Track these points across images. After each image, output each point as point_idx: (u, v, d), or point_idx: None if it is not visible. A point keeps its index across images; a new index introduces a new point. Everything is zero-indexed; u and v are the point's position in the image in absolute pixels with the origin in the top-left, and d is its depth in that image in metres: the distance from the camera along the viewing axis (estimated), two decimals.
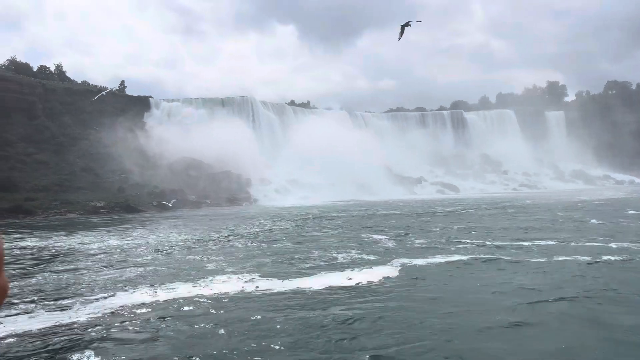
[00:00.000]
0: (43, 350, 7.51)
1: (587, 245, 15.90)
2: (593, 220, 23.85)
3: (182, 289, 11.15)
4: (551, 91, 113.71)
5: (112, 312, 9.43)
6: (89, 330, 8.36)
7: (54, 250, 18.81)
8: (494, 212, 31.69)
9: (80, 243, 20.85)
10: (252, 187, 58.52)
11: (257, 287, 11.18)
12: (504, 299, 9.55)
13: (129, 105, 67.08)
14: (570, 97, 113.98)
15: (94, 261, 15.81)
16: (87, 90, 67.09)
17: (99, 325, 8.62)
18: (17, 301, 10.39)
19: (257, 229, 24.82)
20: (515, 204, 40.60)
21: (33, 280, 12.74)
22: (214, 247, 18.33)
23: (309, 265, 13.94)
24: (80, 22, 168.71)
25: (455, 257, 14.24)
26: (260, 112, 74.59)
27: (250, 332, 7.95)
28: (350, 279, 11.73)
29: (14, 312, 9.64)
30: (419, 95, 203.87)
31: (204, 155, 58.38)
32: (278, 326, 8.21)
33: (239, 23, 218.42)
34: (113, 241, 21.03)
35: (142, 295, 10.76)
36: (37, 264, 15.49)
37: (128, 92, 75.53)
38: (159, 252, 17.30)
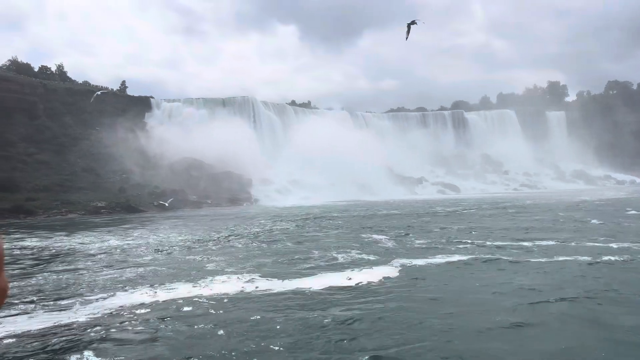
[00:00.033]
0: (42, 350, 7.50)
1: (587, 245, 15.86)
2: (594, 221, 23.80)
3: (182, 289, 11.14)
4: (552, 91, 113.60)
5: (112, 313, 9.42)
6: (88, 330, 8.35)
7: (54, 251, 18.81)
8: (494, 212, 31.65)
9: (80, 243, 20.85)
10: (253, 187, 58.54)
11: (256, 287, 11.16)
12: (505, 300, 9.52)
13: (130, 105, 67.14)
14: (571, 97, 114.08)
15: (94, 261, 15.81)
16: (88, 91, 67.19)
17: (98, 325, 8.61)
18: (16, 301, 10.38)
19: (257, 229, 24.81)
20: (516, 204, 40.56)
21: (33, 281, 12.73)
22: (214, 247, 18.32)
23: (309, 265, 13.92)
24: (81, 22, 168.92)
25: (456, 257, 14.21)
26: (261, 113, 74.61)
27: (250, 333, 7.93)
28: (350, 279, 11.71)
29: (13, 312, 9.63)
30: (420, 95, 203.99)
31: (205, 155, 58.41)
32: (278, 327, 8.19)
33: (240, 23, 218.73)
34: (113, 241, 21.03)
35: (141, 295, 10.75)
36: (37, 264, 15.48)
37: (129, 92, 75.67)
38: (159, 252, 17.29)
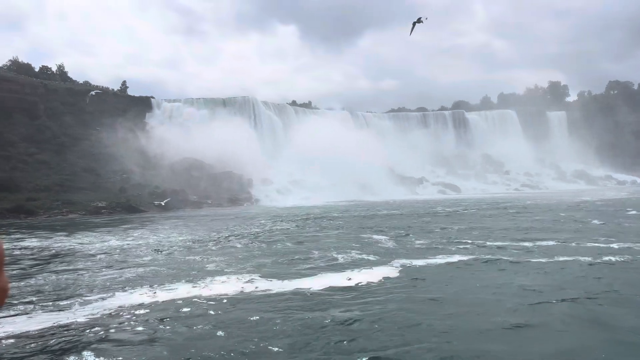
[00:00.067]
0: (41, 351, 7.47)
1: (588, 245, 15.82)
2: (595, 221, 23.76)
3: (182, 290, 11.12)
4: (553, 91, 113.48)
5: (111, 313, 9.40)
6: (87, 331, 8.32)
7: (54, 251, 18.80)
8: (495, 213, 31.61)
9: (80, 243, 20.83)
10: (254, 188, 58.54)
11: (256, 287, 11.13)
12: (505, 300, 9.49)
13: (130, 105, 67.19)
14: (572, 97, 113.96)
15: (93, 262, 15.79)
16: (89, 91, 67.30)
17: (98, 326, 8.58)
18: (15, 302, 10.36)
19: (257, 229, 24.79)
20: (516, 204, 40.51)
21: (32, 281, 12.71)
22: (214, 248, 18.30)
23: (308, 265, 13.89)
24: (81, 22, 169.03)
25: (456, 258, 14.17)
26: (262, 113, 74.61)
27: (249, 334, 7.90)
28: (350, 279, 11.68)
29: (12, 312, 9.61)
30: (421, 95, 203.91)
31: (206, 155, 58.42)
32: (277, 327, 8.16)
33: (240, 23, 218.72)
34: (113, 241, 21.01)
35: (141, 296, 10.73)
36: (37, 265, 15.47)
37: (130, 92, 75.70)
38: (159, 253, 17.27)
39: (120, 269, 14.16)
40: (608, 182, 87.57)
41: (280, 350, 7.14)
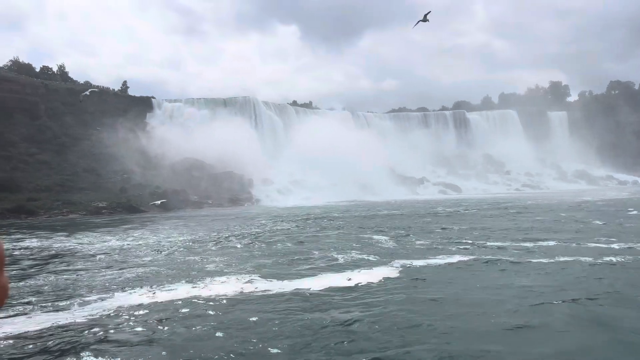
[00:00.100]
0: (40, 352, 7.44)
1: (589, 246, 15.77)
2: (596, 221, 23.70)
3: (181, 290, 11.08)
4: (554, 91, 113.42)
5: (110, 314, 9.37)
6: (86, 331, 8.29)
7: (53, 251, 18.78)
8: (495, 213, 31.56)
9: (80, 244, 20.82)
10: (254, 188, 58.56)
11: (256, 288, 11.10)
12: (506, 301, 9.44)
13: (131, 105, 67.26)
14: (573, 97, 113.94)
15: (93, 262, 15.77)
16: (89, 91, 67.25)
17: (97, 326, 8.55)
18: (15, 302, 10.33)
19: (258, 230, 24.77)
20: (517, 204, 40.45)
21: (31, 281, 12.69)
22: (214, 248, 18.27)
23: (308, 266, 13.85)
24: (81, 22, 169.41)
25: (456, 258, 14.12)
26: (263, 113, 74.63)
27: (248, 334, 7.87)
28: (350, 279, 11.64)
29: (11, 313, 9.58)
30: (421, 95, 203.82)
31: (206, 155, 58.45)
32: (276, 328, 8.13)
33: (240, 23, 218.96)
34: (113, 242, 21.00)
35: (140, 296, 10.70)
36: (37, 265, 15.45)
37: (130, 92, 75.73)
38: (159, 253, 17.25)
39: (120, 269, 14.13)
40: (609, 182, 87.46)
41: (279, 351, 7.11)
